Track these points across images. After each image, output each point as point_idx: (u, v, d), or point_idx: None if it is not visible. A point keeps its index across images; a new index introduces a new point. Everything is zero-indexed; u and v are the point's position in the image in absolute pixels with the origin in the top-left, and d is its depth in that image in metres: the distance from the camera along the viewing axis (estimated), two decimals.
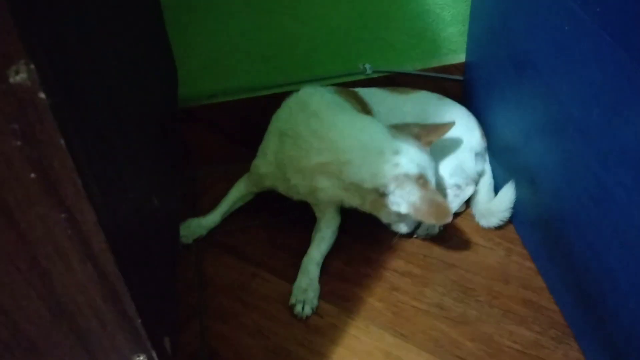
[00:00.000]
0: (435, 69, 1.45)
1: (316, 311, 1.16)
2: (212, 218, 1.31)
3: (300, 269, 1.20)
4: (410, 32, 1.41)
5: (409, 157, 1.09)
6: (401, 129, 1.16)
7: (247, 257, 1.28)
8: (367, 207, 1.15)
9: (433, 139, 1.18)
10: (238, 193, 1.34)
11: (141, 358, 0.62)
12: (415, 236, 1.28)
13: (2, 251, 0.52)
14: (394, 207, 1.09)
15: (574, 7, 0.91)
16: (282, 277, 1.23)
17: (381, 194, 1.09)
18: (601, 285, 0.95)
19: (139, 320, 0.60)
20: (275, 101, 1.24)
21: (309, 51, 1.40)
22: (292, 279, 1.20)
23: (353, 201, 1.15)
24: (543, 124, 1.09)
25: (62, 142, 0.47)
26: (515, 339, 1.09)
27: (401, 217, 1.15)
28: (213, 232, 1.32)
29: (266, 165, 1.23)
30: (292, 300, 1.16)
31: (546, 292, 1.17)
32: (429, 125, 1.20)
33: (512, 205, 1.26)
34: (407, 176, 1.07)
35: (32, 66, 0.43)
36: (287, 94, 1.23)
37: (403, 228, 1.21)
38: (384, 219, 1.17)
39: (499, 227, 1.29)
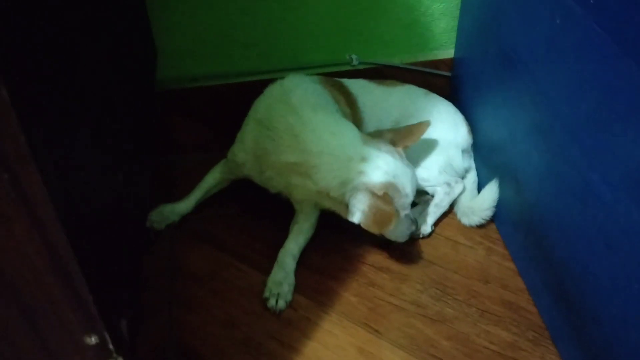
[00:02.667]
0: (423, 64, 1.42)
1: (290, 304, 1.13)
2: (186, 204, 1.27)
3: (277, 262, 1.17)
4: (399, 25, 1.38)
5: (376, 165, 1.05)
6: (375, 136, 1.13)
7: (221, 246, 1.24)
8: (343, 215, 1.10)
9: (409, 143, 1.14)
10: (213, 180, 1.30)
11: (93, 339, 0.58)
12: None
13: None
14: (349, 217, 1.05)
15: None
16: (256, 268, 1.19)
17: (344, 202, 1.06)
18: (582, 287, 0.93)
19: (91, 298, 0.57)
20: (257, 88, 1.21)
21: (295, 38, 1.37)
22: (266, 270, 1.16)
23: (327, 205, 1.12)
24: (530, 122, 1.07)
25: (23, 139, 0.44)
26: (492, 340, 1.06)
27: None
28: (188, 219, 1.28)
29: (244, 153, 1.20)
30: (267, 293, 1.13)
31: (525, 294, 1.14)
32: (402, 129, 1.15)
33: (494, 204, 1.23)
34: (364, 184, 1.03)
35: None
36: (269, 82, 1.20)
37: (400, 237, 1.16)
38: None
39: (480, 226, 1.27)
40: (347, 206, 1.06)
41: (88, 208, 0.63)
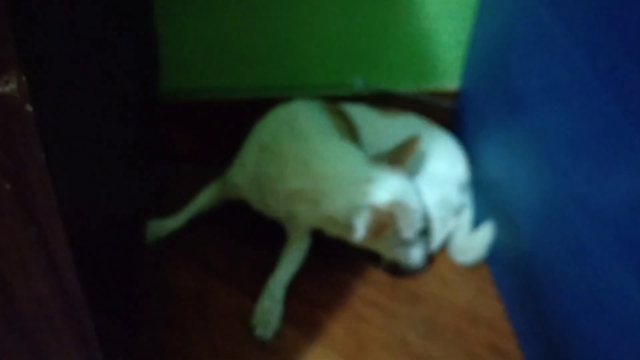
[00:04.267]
0: (428, 93, 1.41)
1: (277, 334, 1.11)
2: (176, 220, 1.25)
3: (265, 289, 1.15)
4: (406, 52, 1.37)
5: (381, 185, 1.06)
6: (376, 158, 1.12)
7: (210, 267, 1.22)
8: (353, 242, 1.10)
9: (406, 159, 1.13)
10: (207, 198, 1.28)
11: None
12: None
13: None
14: (358, 234, 1.05)
15: (572, 52, 0.88)
16: (244, 292, 1.18)
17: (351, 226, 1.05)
18: (570, 341, 0.92)
19: (97, 344, 0.57)
20: (256, 106, 1.19)
21: (299, 58, 1.34)
22: (255, 295, 1.15)
23: (332, 231, 1.11)
24: (529, 167, 1.06)
25: (43, 157, 0.46)
26: None
27: (397, 245, 1.11)
28: (177, 236, 1.26)
29: (243, 176, 1.17)
30: (254, 321, 1.11)
31: (513, 338, 1.14)
32: (395, 150, 1.14)
33: (489, 244, 1.22)
34: (370, 204, 1.03)
35: (24, 78, 0.43)
36: (269, 101, 1.18)
37: (414, 257, 1.15)
38: (384, 252, 1.15)
39: (473, 265, 1.26)
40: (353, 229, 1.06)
41: (98, 250, 0.63)
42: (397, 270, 1.22)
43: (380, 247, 1.14)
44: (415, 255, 1.16)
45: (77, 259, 0.53)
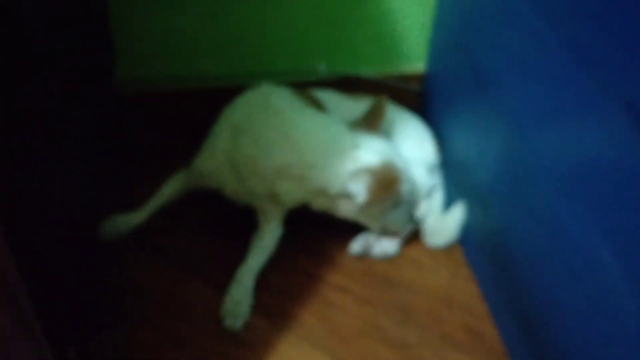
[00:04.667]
0: (393, 77, 1.39)
1: (247, 325, 1.08)
2: (140, 215, 1.21)
3: (235, 279, 1.12)
4: (370, 36, 1.35)
5: (370, 148, 1.06)
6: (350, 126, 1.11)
7: (177, 261, 1.18)
8: (342, 213, 1.10)
9: (378, 123, 1.12)
10: (172, 190, 1.23)
11: None
12: (372, 256, 1.21)
13: None
14: (358, 200, 1.04)
15: (539, 26, 0.86)
16: (212, 286, 1.14)
17: (346, 193, 1.05)
18: (546, 317, 0.90)
19: (39, 327, 0.53)
20: (220, 94, 1.16)
21: (261, 44, 1.32)
22: (223, 287, 1.11)
23: (320, 204, 1.10)
24: (498, 144, 1.04)
25: None
26: None
27: (384, 215, 1.11)
28: (142, 231, 1.21)
29: (215, 162, 1.14)
30: (223, 312, 1.08)
31: (489, 319, 1.12)
32: (366, 116, 1.13)
33: (461, 226, 1.20)
34: (363, 168, 1.03)
35: None
36: (233, 89, 1.15)
37: (403, 221, 1.15)
38: (371, 224, 1.14)
39: (446, 248, 1.24)
40: (346, 198, 1.05)
41: (41, 232, 0.59)
42: (369, 254, 1.21)
43: (370, 216, 1.12)
44: (404, 219, 1.16)
45: (17, 253, 0.49)
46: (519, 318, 1.01)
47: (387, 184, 1.05)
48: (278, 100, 1.10)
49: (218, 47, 1.30)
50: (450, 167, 1.27)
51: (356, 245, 1.21)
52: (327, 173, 1.04)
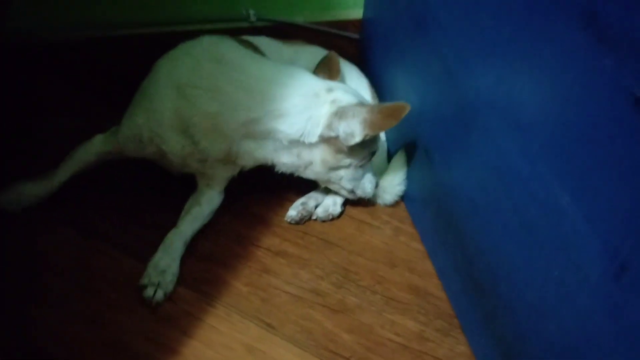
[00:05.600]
0: (329, 24, 1.29)
1: (170, 297, 0.96)
2: (49, 184, 1.06)
3: (163, 245, 1.00)
4: None
5: (345, 91, 0.98)
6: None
7: (89, 231, 1.05)
8: (314, 171, 1.02)
9: (336, 72, 1.07)
10: (87, 156, 1.08)
11: None
12: (314, 218, 1.12)
13: None
14: (350, 140, 0.95)
15: None
16: (131, 255, 1.02)
17: (329, 139, 0.96)
18: (495, 272, 0.83)
19: None
20: (139, 43, 1.02)
21: None
22: (144, 258, 0.99)
23: (289, 163, 1.00)
24: (440, 87, 0.96)
25: None
26: (398, 331, 0.96)
27: (358, 168, 1.03)
28: (50, 200, 1.07)
29: (155, 126, 0.99)
30: (144, 280, 0.96)
31: (434, 278, 1.05)
32: (322, 66, 1.08)
33: (405, 178, 1.12)
34: (348, 105, 0.95)
35: None
36: (157, 36, 1.01)
37: (369, 183, 1.07)
38: (344, 183, 1.05)
39: (388, 205, 1.16)
40: (331, 145, 0.97)
41: None
42: (309, 219, 1.12)
43: (344, 171, 1.03)
44: (372, 180, 1.08)
45: None
46: (466, 275, 0.94)
47: (390, 112, 0.95)
48: (229, 51, 0.99)
49: None
50: None
51: (293, 211, 1.11)
52: (303, 119, 0.94)
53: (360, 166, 1.03)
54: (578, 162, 0.62)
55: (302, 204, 1.12)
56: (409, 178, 1.13)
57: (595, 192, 0.60)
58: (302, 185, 1.11)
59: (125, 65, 1.04)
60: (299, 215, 1.10)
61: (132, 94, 1.03)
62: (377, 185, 1.11)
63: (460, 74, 0.88)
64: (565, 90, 0.63)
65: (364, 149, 1.00)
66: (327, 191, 1.13)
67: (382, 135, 1.17)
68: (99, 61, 1.19)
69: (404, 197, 1.16)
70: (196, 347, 0.91)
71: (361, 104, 0.96)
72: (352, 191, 1.07)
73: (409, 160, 1.12)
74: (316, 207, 1.13)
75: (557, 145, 0.66)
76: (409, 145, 1.11)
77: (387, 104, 0.96)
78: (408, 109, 0.93)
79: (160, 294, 0.95)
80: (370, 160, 1.05)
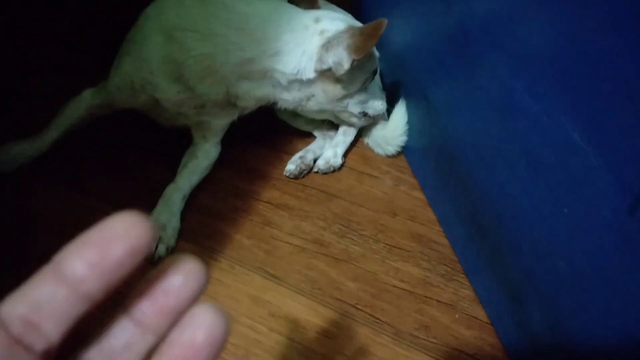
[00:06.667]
0: None
1: (172, 252, 0.95)
2: (41, 142, 1.04)
3: (162, 200, 0.99)
4: None
5: (332, 19, 0.95)
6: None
7: (85, 189, 1.03)
8: (317, 102, 0.99)
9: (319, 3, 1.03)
10: (77, 112, 1.05)
11: None
12: (315, 170, 1.10)
13: None
14: (340, 70, 0.92)
15: None
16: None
17: (324, 72, 0.93)
18: (500, 214, 0.83)
19: None
20: None
21: None
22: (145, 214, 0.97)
23: (292, 97, 0.98)
24: (441, 30, 0.93)
25: None
26: (402, 277, 0.96)
27: (361, 91, 1.02)
28: (43, 159, 1.04)
29: (146, 74, 0.96)
30: None
31: (436, 225, 1.05)
32: None
33: (407, 128, 1.11)
34: (336, 34, 0.92)
35: None
36: None
37: (378, 100, 1.07)
38: (351, 108, 1.03)
39: (396, 154, 1.15)
40: (325, 80, 0.95)
41: None
42: (309, 172, 1.11)
43: (344, 102, 1.02)
44: (381, 96, 1.08)
45: None
46: (468, 220, 0.94)
47: (369, 32, 0.91)
48: None
49: None
50: (389, 63, 1.15)
51: (292, 165, 1.09)
52: (298, 54, 0.92)
53: (365, 88, 1.02)
54: (589, 96, 0.61)
55: (300, 157, 1.11)
56: (408, 127, 1.11)
57: (608, 126, 0.59)
58: (299, 139, 1.10)
59: (116, 19, 1.00)
60: (298, 169, 1.09)
61: None
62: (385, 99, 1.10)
63: (457, 4, 0.86)
64: (578, 19, 0.61)
65: (362, 71, 0.98)
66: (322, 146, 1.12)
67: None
68: (87, 15, 1.15)
69: (404, 148, 1.15)
70: (201, 300, 0.90)
71: (347, 28, 0.93)
72: (362, 114, 1.06)
73: (408, 109, 1.10)
74: (315, 160, 1.12)
75: (567, 79, 0.64)
76: (408, 93, 1.09)
77: (367, 25, 0.93)
78: (385, 23, 0.90)
79: (162, 249, 0.94)
80: (373, 79, 1.03)
